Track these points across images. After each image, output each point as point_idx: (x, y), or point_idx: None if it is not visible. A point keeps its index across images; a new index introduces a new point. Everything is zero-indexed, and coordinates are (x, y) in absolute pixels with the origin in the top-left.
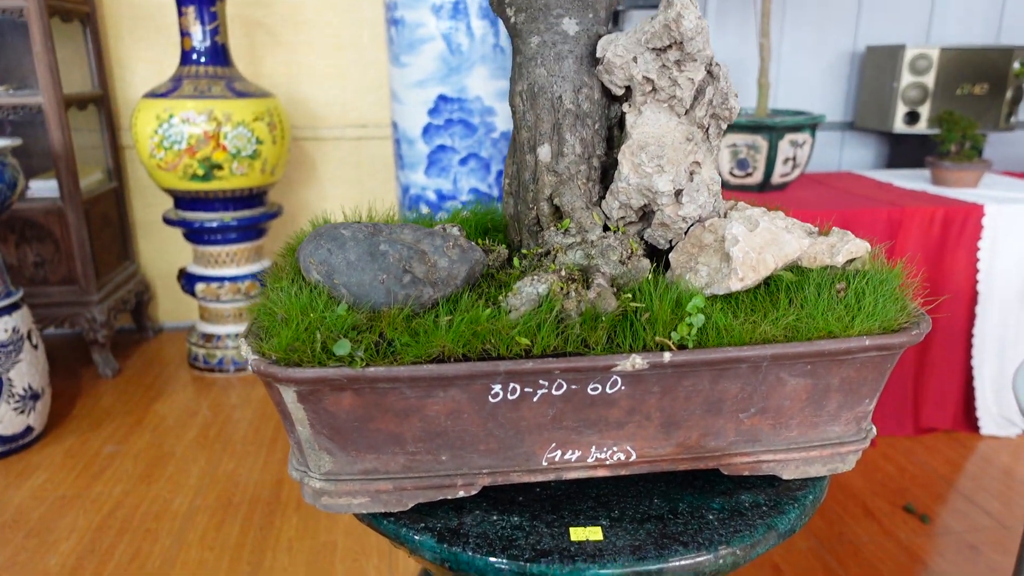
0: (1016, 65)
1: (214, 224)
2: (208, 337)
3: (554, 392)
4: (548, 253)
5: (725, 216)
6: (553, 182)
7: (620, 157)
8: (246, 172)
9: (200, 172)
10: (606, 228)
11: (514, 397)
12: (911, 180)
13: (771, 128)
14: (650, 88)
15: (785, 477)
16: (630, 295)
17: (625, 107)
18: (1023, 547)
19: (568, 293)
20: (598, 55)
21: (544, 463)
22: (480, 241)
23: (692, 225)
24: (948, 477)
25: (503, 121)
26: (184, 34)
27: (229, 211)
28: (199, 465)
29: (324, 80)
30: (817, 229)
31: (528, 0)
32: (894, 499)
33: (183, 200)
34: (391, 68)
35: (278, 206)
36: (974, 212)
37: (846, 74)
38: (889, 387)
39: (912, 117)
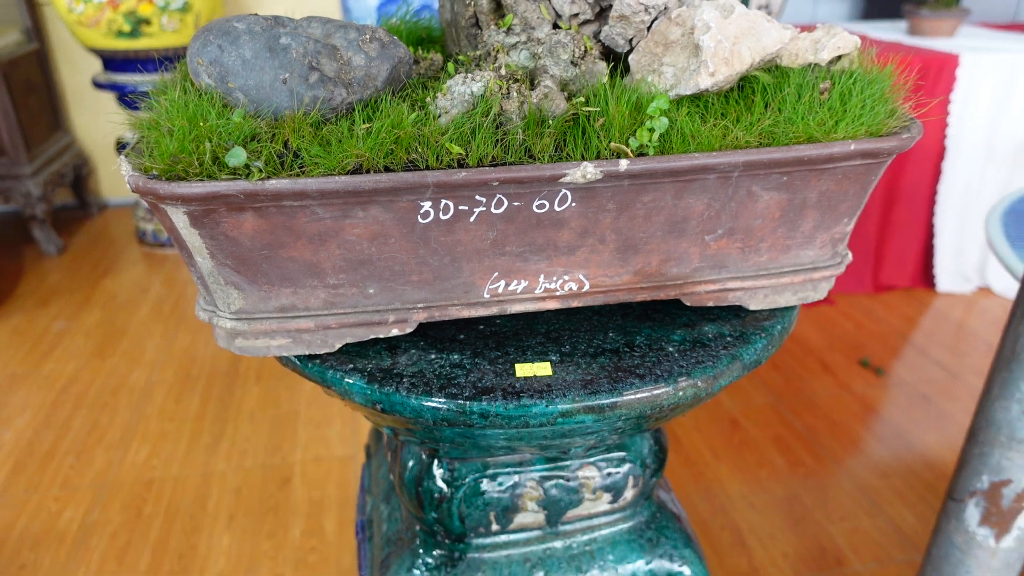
0: None
1: (149, 88)
2: None
3: (494, 211)
4: (488, 54)
5: (696, 6)
6: None
7: None
8: (177, 28)
9: (126, 28)
10: (556, 26)
11: (447, 217)
12: (887, 31)
13: None
14: None
15: (752, 307)
16: (583, 99)
17: None
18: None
19: (508, 93)
20: None
21: (486, 295)
22: (413, 50)
23: (656, 19)
24: (904, 332)
25: None
26: None
27: (165, 72)
28: (154, 340)
29: None
30: (798, 29)
31: None
32: (851, 354)
33: (112, 61)
34: None
35: None
36: (948, 62)
37: None
38: (850, 245)
39: None
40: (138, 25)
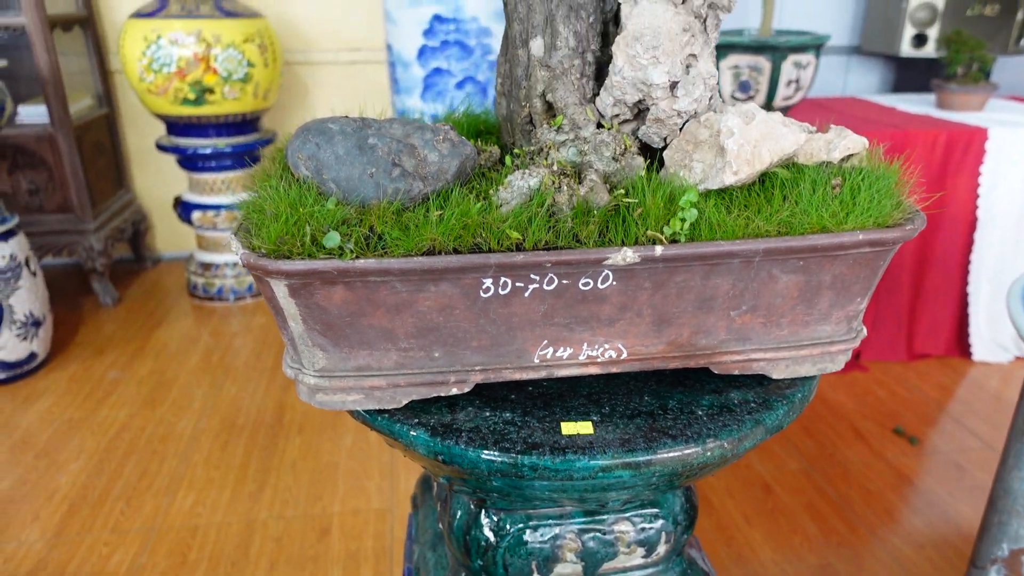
0: None
1: (208, 151)
2: (206, 266)
3: (545, 287)
4: (541, 151)
5: (721, 112)
6: (546, 77)
7: (615, 49)
8: (238, 96)
9: (191, 96)
10: (600, 125)
11: (505, 292)
12: (916, 104)
13: (774, 48)
14: None
15: (775, 376)
16: (623, 191)
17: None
18: (1002, 463)
19: (560, 187)
20: None
21: (536, 360)
22: (473, 142)
23: (687, 121)
24: (939, 401)
25: (500, 43)
26: None
27: (223, 137)
28: (202, 390)
29: (314, 0)
30: (815, 128)
31: None
32: (884, 422)
33: (175, 126)
34: None
35: (272, 132)
36: (978, 136)
37: None
38: (884, 313)
39: (920, 40)
40: (202, 93)
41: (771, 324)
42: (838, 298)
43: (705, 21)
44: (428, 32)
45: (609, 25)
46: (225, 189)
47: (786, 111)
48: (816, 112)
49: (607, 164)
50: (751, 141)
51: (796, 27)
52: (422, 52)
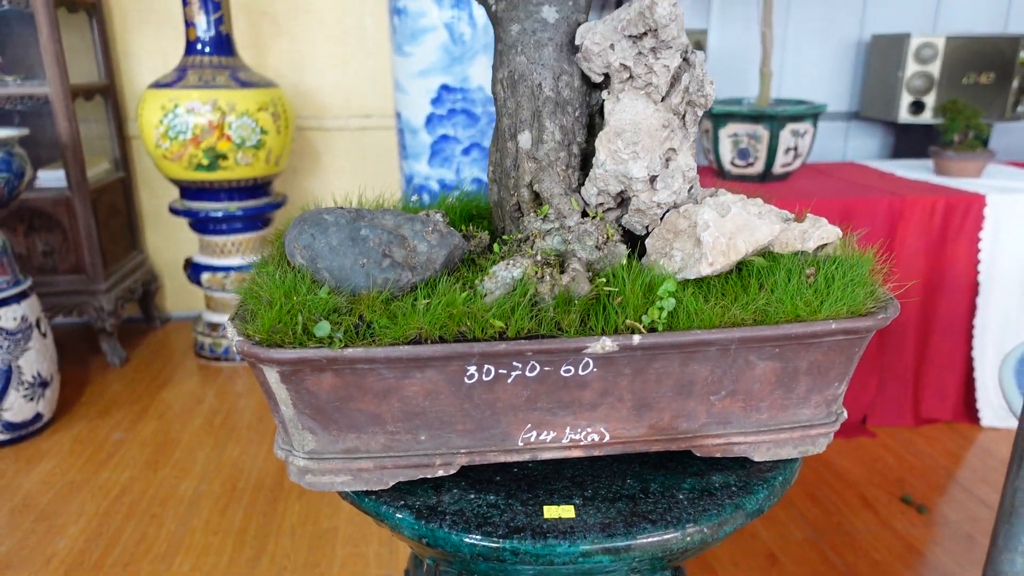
0: (1022, 54)
1: (219, 214)
2: (214, 326)
3: (528, 374)
4: (527, 239)
5: (700, 203)
6: (533, 169)
7: (597, 144)
8: (251, 162)
9: (205, 162)
10: (584, 214)
11: (489, 378)
12: (914, 170)
13: (772, 117)
14: (627, 75)
15: (756, 459)
16: (604, 279)
17: (604, 94)
18: (992, 543)
19: (542, 277)
20: (577, 43)
21: (520, 443)
22: (464, 227)
23: (667, 211)
24: (947, 468)
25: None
26: (188, 24)
27: (234, 201)
28: (204, 452)
29: (328, 70)
30: (793, 216)
31: None
32: (892, 490)
33: (189, 190)
34: (394, 58)
35: (283, 196)
36: (976, 202)
37: (852, 63)
38: (889, 377)
39: (917, 107)
40: (216, 159)
41: (751, 408)
42: (815, 383)
43: (684, 117)
44: (436, 101)
45: (595, 116)
46: (235, 251)
47: (786, 177)
48: (815, 178)
49: (590, 252)
50: (726, 233)
51: (797, 93)
52: (430, 120)
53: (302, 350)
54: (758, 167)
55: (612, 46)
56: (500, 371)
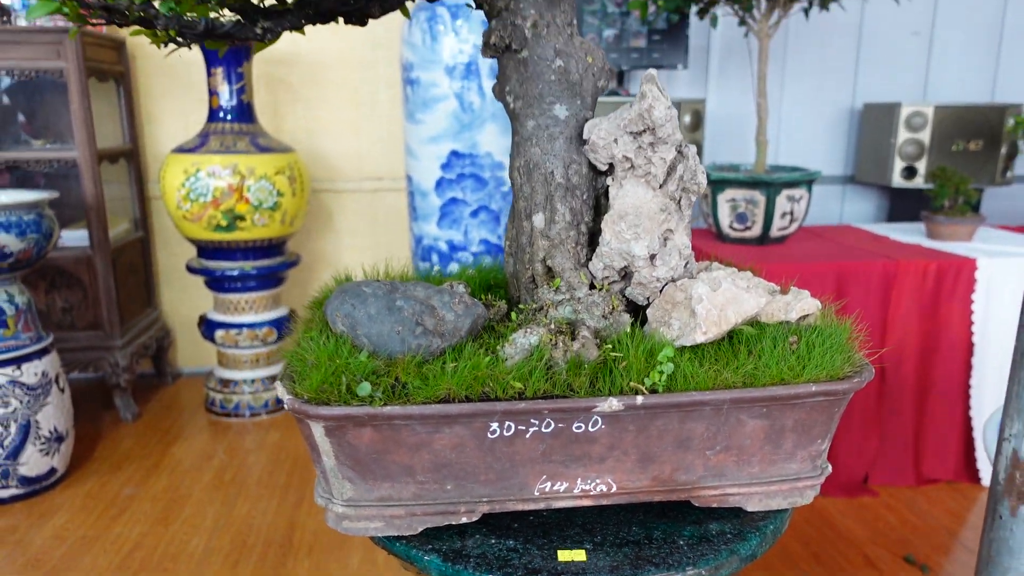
0: (1010, 122)
1: (235, 273)
2: (225, 382)
3: (544, 430)
4: (541, 308)
5: (695, 277)
6: (546, 246)
7: (604, 225)
8: (267, 223)
9: (223, 223)
10: (592, 286)
11: (509, 434)
12: (907, 233)
13: (768, 184)
14: (629, 165)
15: (749, 509)
16: (611, 346)
17: (608, 180)
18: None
19: (556, 344)
20: (585, 136)
21: (536, 493)
22: (483, 296)
23: (666, 285)
24: (950, 527)
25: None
26: (212, 93)
27: (250, 260)
28: (215, 507)
29: (342, 135)
30: (779, 288)
31: (525, 89)
32: (895, 549)
33: (206, 249)
34: (406, 125)
35: (296, 256)
36: (967, 265)
37: (846, 129)
38: (890, 436)
39: (910, 172)
40: (234, 221)
41: (743, 462)
42: (800, 440)
43: (679, 202)
44: (446, 165)
45: (600, 198)
46: (249, 309)
47: (783, 240)
48: (812, 241)
49: (598, 321)
50: (718, 306)
51: (793, 157)
52: (440, 183)
53: (347, 407)
54: (756, 230)
55: (616, 140)
56: (519, 427)
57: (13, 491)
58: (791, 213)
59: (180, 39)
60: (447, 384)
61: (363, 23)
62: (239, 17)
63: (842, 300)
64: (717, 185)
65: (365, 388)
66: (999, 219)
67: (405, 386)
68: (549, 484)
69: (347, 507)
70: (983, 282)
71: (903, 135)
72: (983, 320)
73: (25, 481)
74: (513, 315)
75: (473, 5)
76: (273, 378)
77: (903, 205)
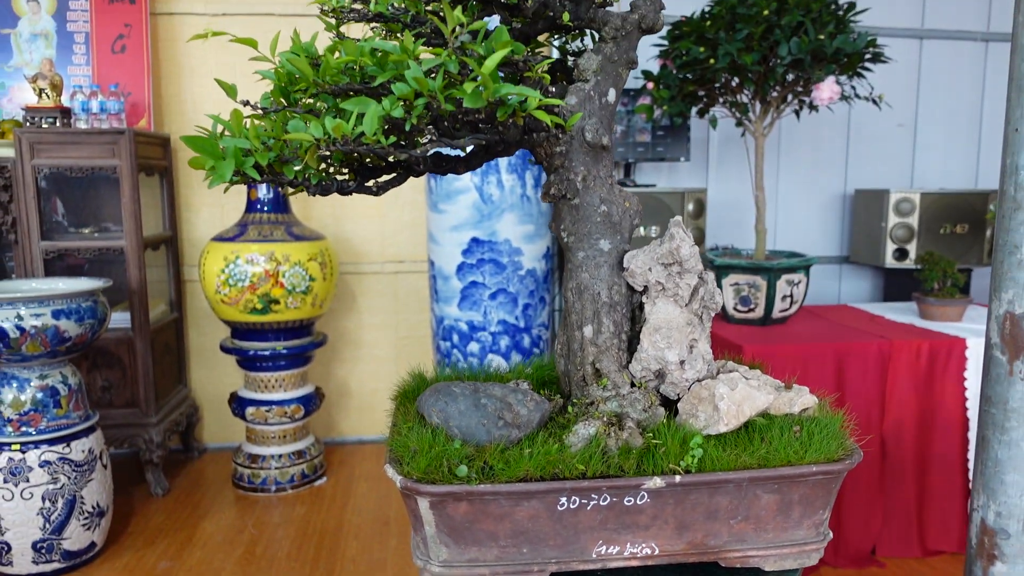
0: (991, 208)
1: (267, 352)
2: (254, 458)
3: (601, 503)
4: (592, 403)
5: (716, 376)
6: (594, 352)
7: (642, 335)
8: (299, 306)
9: (259, 306)
10: (633, 384)
11: (575, 506)
12: (901, 313)
13: (768, 270)
14: (661, 288)
15: (767, 569)
16: (651, 434)
17: (644, 298)
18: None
19: (609, 434)
20: (625, 265)
21: (594, 555)
22: (542, 391)
23: (693, 384)
24: None
25: (529, 260)
26: (250, 186)
27: (281, 340)
28: None
29: (367, 220)
30: (783, 384)
31: (576, 228)
32: None
33: (240, 331)
34: (430, 214)
35: (323, 335)
36: (958, 344)
37: (839, 213)
38: (894, 511)
39: (901, 253)
40: (269, 304)
41: (760, 529)
42: (806, 511)
43: (701, 317)
44: (466, 251)
45: (636, 311)
46: (278, 387)
47: (784, 321)
48: (812, 321)
49: (639, 414)
50: (736, 402)
51: (791, 239)
52: (460, 268)
53: (450, 486)
54: (758, 312)
55: (650, 269)
56: (582, 501)
57: (56, 565)
58: (791, 296)
59: (318, 193)
60: (526, 466)
61: (458, 172)
62: (354, 175)
63: (835, 394)
64: (721, 270)
65: (463, 470)
66: (987, 298)
67: (492, 468)
68: (605, 548)
69: (442, 568)
70: (973, 360)
71: (893, 219)
72: (976, 396)
73: (68, 555)
74: (570, 408)
75: (534, 160)
76: (299, 453)
77: (897, 283)
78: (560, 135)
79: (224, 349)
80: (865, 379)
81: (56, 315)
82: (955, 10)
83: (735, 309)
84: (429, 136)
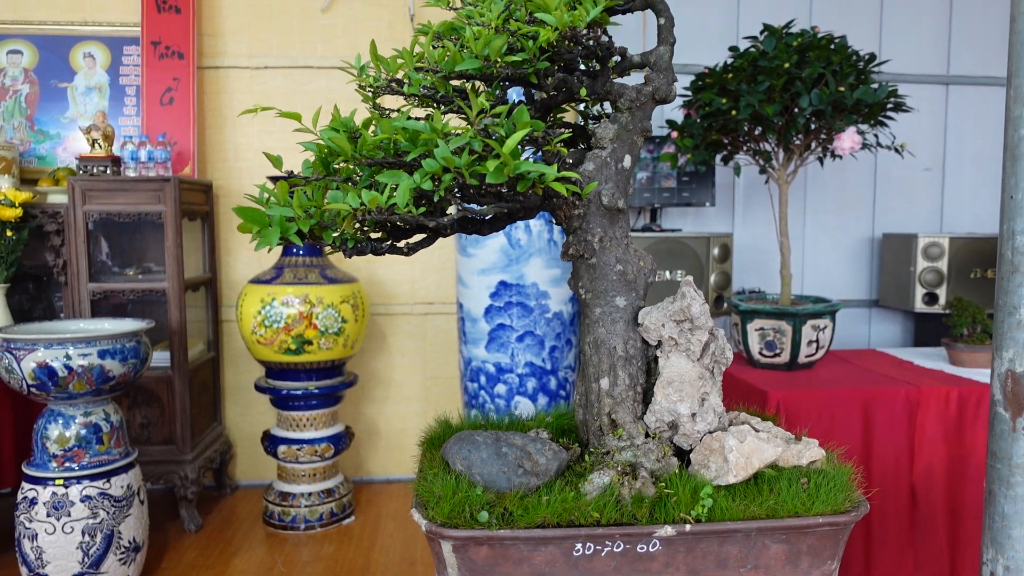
0: None
1: (299, 392)
2: (285, 495)
3: (615, 550)
4: (608, 452)
5: (727, 428)
6: (610, 403)
7: (656, 388)
8: (331, 347)
9: (293, 347)
10: (647, 435)
11: (590, 553)
12: (930, 359)
13: (794, 315)
14: (674, 343)
15: None
16: (664, 484)
17: (658, 352)
18: None
19: (623, 483)
20: (639, 320)
21: None
22: (560, 440)
23: (704, 436)
24: None
25: (556, 303)
26: None
27: (313, 380)
28: None
29: (398, 263)
30: (793, 436)
31: (594, 285)
32: None
33: (274, 370)
34: (459, 257)
35: (354, 375)
36: (987, 392)
37: (867, 257)
38: (924, 559)
39: (931, 298)
40: (302, 345)
41: None
42: (814, 560)
43: (712, 371)
44: (494, 294)
45: (651, 364)
46: (309, 426)
47: (810, 366)
48: (839, 366)
49: (653, 464)
50: (745, 454)
51: (818, 283)
52: (488, 310)
53: (471, 530)
54: (784, 357)
55: (663, 325)
56: (597, 547)
57: None
58: (817, 341)
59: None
60: (543, 513)
61: (483, 233)
62: (386, 235)
63: (850, 445)
64: (746, 315)
65: (484, 516)
66: None
67: (511, 514)
68: None
69: None
70: None
71: (922, 264)
72: None
73: None
74: (587, 457)
75: (554, 221)
76: (328, 492)
77: (927, 328)
78: (578, 200)
79: (258, 388)
80: (893, 426)
81: (102, 355)
82: (980, 56)
83: (761, 354)
84: (455, 205)
